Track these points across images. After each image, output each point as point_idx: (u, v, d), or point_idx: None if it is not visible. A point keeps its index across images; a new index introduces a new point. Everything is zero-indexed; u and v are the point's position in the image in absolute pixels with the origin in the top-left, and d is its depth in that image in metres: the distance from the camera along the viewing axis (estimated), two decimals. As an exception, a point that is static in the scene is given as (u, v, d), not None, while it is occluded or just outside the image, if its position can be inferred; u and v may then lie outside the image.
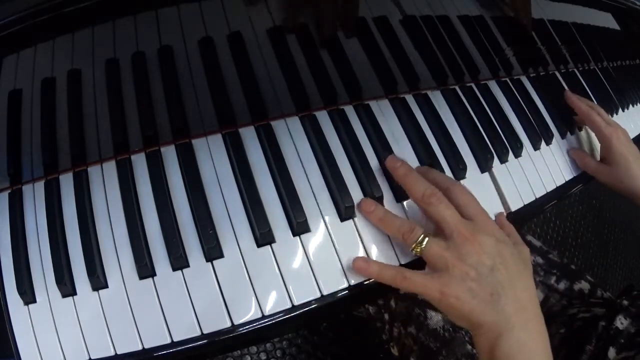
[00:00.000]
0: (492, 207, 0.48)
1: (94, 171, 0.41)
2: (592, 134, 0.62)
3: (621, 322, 0.57)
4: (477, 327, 0.37)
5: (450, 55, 0.56)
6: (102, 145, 0.42)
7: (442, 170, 0.47)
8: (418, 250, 0.39)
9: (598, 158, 0.61)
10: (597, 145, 0.61)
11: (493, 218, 0.47)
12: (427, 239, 0.38)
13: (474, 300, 0.36)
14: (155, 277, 0.38)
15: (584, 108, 0.58)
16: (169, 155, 0.42)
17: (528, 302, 0.38)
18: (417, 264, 0.42)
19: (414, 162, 0.47)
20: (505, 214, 0.48)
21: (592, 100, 0.69)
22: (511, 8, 0.62)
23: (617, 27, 0.83)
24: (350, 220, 0.42)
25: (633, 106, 0.78)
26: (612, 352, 0.54)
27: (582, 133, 0.63)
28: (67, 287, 0.37)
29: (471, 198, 0.41)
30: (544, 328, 0.37)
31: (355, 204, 0.42)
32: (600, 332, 0.57)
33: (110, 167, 0.41)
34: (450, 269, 0.37)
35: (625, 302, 0.60)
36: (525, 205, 0.51)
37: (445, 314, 0.38)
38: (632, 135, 0.71)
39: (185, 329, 0.37)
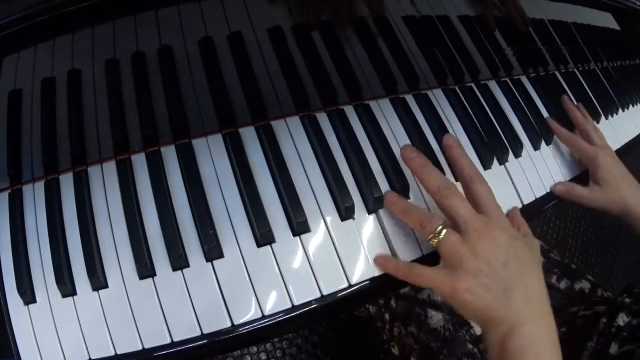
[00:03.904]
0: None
1: (94, 171, 0.41)
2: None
3: (623, 320, 0.57)
4: (489, 322, 0.37)
5: (450, 55, 0.56)
6: (102, 145, 0.42)
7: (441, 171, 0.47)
8: (435, 241, 0.39)
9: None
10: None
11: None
12: (445, 230, 0.38)
13: (488, 296, 0.36)
14: (155, 277, 0.38)
15: (567, 135, 0.57)
16: (169, 155, 0.42)
17: (538, 297, 0.38)
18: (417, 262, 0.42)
19: (414, 162, 0.47)
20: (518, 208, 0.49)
21: (592, 101, 0.69)
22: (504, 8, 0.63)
23: (617, 27, 0.83)
24: (351, 220, 0.42)
25: (633, 106, 0.78)
26: (614, 347, 0.54)
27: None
28: (67, 287, 0.37)
29: (488, 192, 0.42)
30: (553, 322, 0.38)
31: (355, 203, 0.42)
32: (602, 328, 0.57)
33: (110, 167, 0.41)
34: (464, 264, 0.37)
35: (628, 300, 0.60)
36: (525, 205, 0.51)
37: (457, 309, 0.39)
38: (633, 135, 0.71)
39: (185, 329, 0.37)
